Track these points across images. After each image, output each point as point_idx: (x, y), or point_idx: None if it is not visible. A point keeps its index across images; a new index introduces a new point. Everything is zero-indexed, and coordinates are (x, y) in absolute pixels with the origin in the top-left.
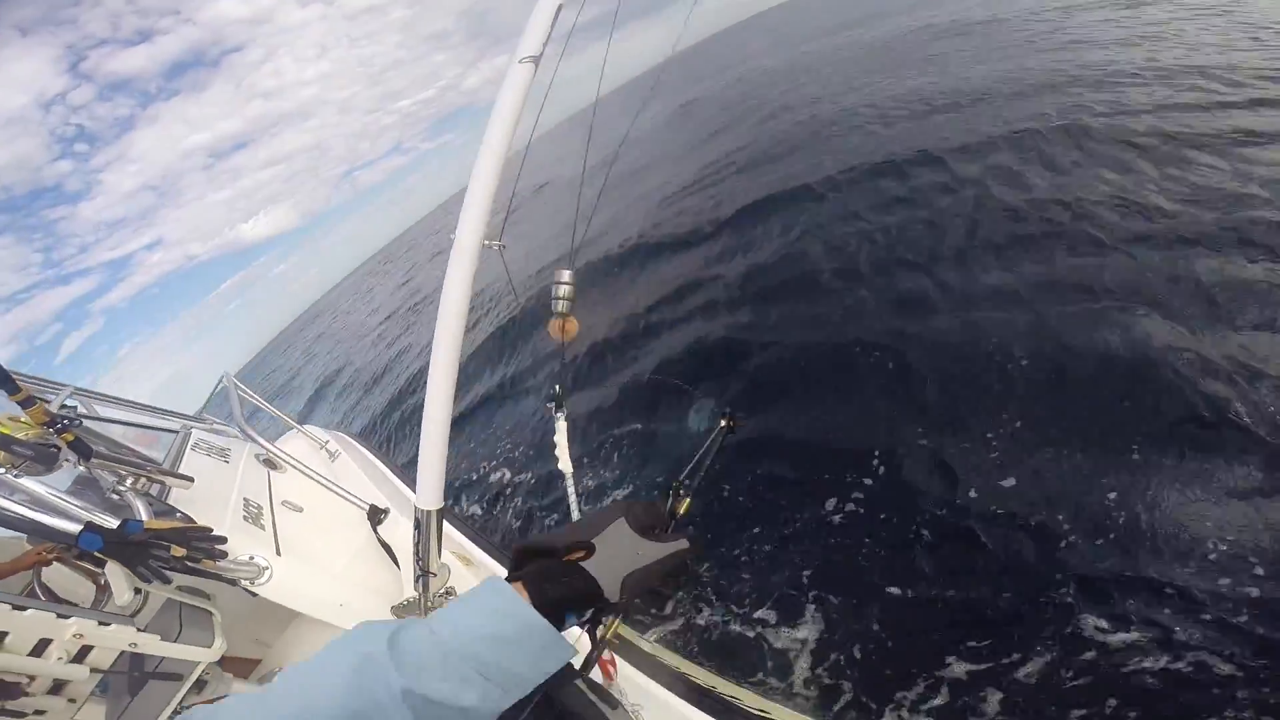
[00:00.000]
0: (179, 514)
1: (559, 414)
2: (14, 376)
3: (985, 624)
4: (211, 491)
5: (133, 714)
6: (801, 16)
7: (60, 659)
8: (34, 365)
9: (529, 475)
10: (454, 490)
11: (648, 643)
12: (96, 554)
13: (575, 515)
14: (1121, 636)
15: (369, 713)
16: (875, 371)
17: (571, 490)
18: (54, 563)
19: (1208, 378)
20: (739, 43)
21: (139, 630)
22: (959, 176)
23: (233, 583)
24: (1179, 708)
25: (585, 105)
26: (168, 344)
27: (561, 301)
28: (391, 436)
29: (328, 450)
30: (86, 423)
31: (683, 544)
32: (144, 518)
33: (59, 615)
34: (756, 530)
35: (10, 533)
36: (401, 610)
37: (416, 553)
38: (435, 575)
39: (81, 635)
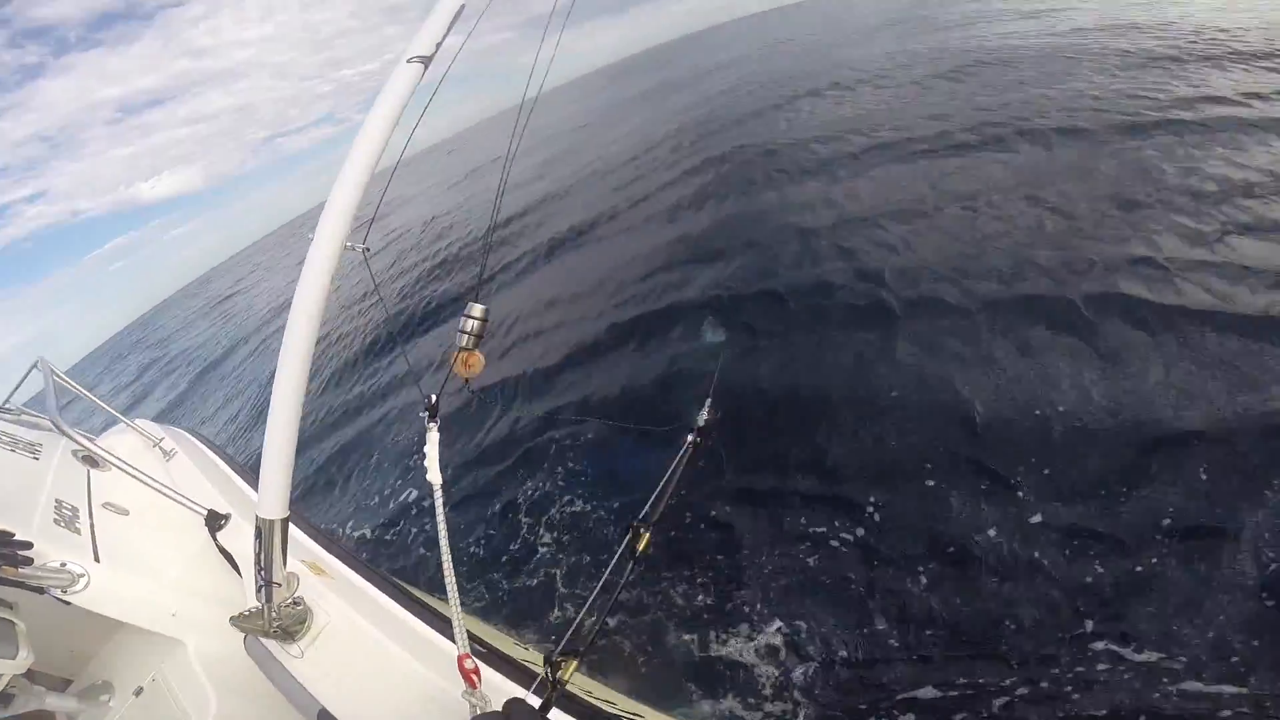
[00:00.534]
0: None
1: (432, 424)
2: None
3: (961, 655)
4: (15, 491)
5: None
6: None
7: None
8: None
9: (404, 484)
10: (322, 497)
11: (601, 687)
12: None
13: (442, 528)
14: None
15: None
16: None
17: (439, 502)
18: None
19: None
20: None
21: None
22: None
23: (40, 591)
24: None
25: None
26: (33, 302)
27: (468, 336)
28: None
29: (161, 448)
30: None
31: None
32: None
33: None
34: (721, 557)
35: None
36: (242, 622)
37: (258, 562)
38: (280, 585)
39: None
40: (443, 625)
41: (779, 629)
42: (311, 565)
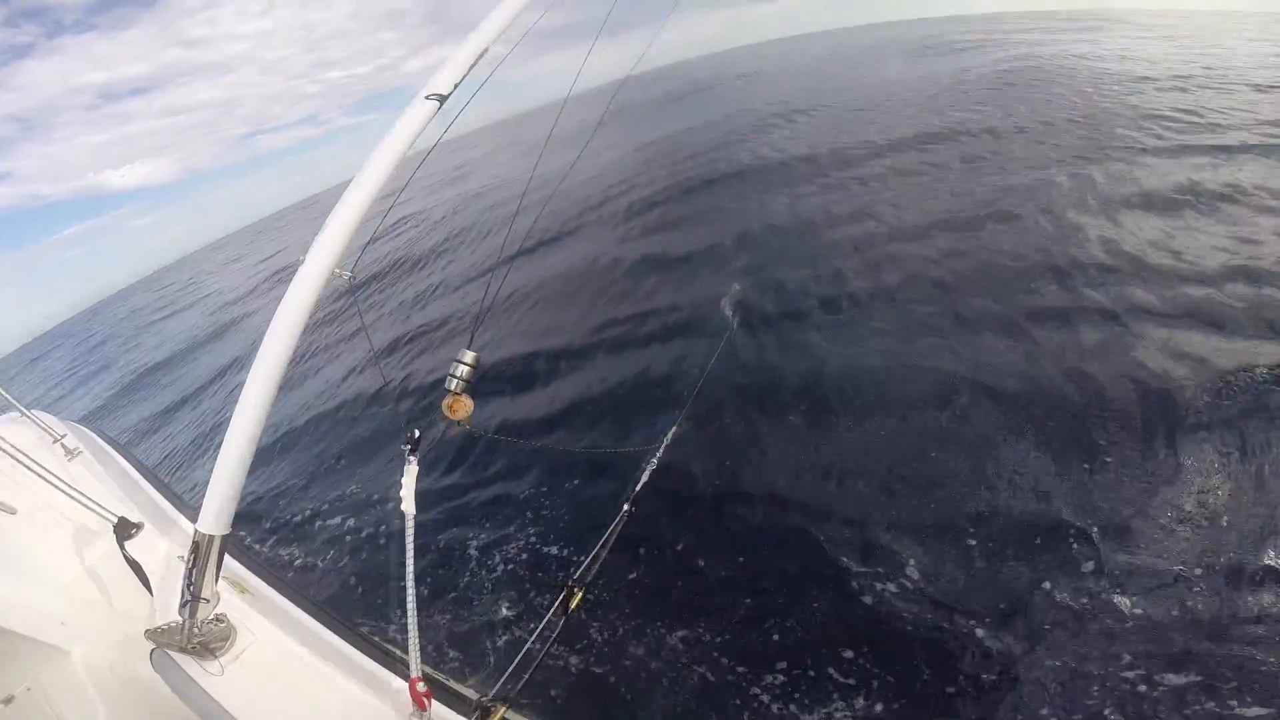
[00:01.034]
0: None
1: (412, 457)
2: None
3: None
4: None
5: None
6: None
7: None
8: None
9: (356, 510)
10: (261, 518)
11: None
12: None
13: (410, 554)
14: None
15: None
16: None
17: (410, 532)
18: None
19: None
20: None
21: None
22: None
23: None
24: None
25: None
26: None
27: (456, 380)
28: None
29: (64, 445)
30: None
31: None
32: None
33: None
34: (661, 625)
35: None
36: (159, 636)
37: (189, 576)
38: (208, 601)
39: None
40: (377, 652)
41: (702, 682)
42: (234, 584)
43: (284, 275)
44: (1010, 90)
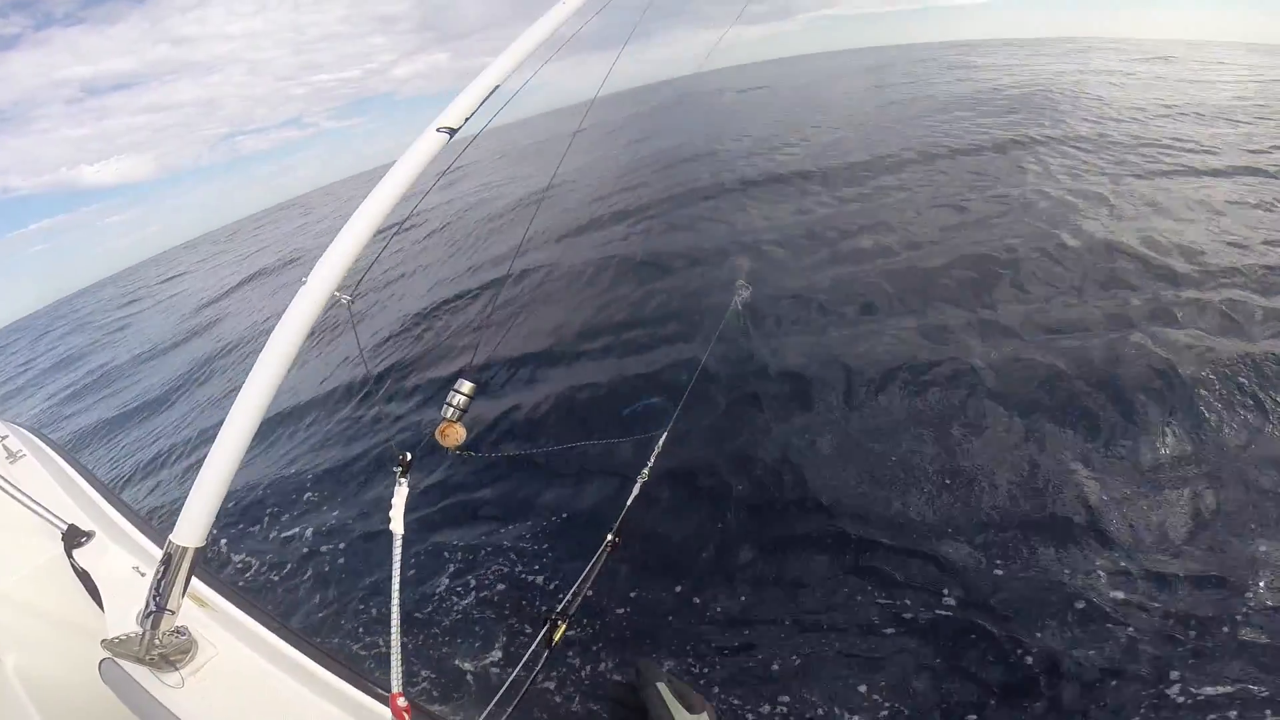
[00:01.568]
0: None
1: (403, 479)
2: None
3: None
4: None
5: None
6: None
7: None
8: None
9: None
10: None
11: None
12: None
13: (396, 572)
14: None
15: None
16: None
17: (397, 552)
18: None
19: None
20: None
21: None
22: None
23: None
24: None
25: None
26: None
27: (452, 409)
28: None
29: (6, 447)
30: None
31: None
32: None
33: None
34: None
35: None
36: (115, 646)
37: (156, 586)
38: (173, 613)
39: None
40: (348, 671)
41: None
42: (195, 598)
43: (258, 278)
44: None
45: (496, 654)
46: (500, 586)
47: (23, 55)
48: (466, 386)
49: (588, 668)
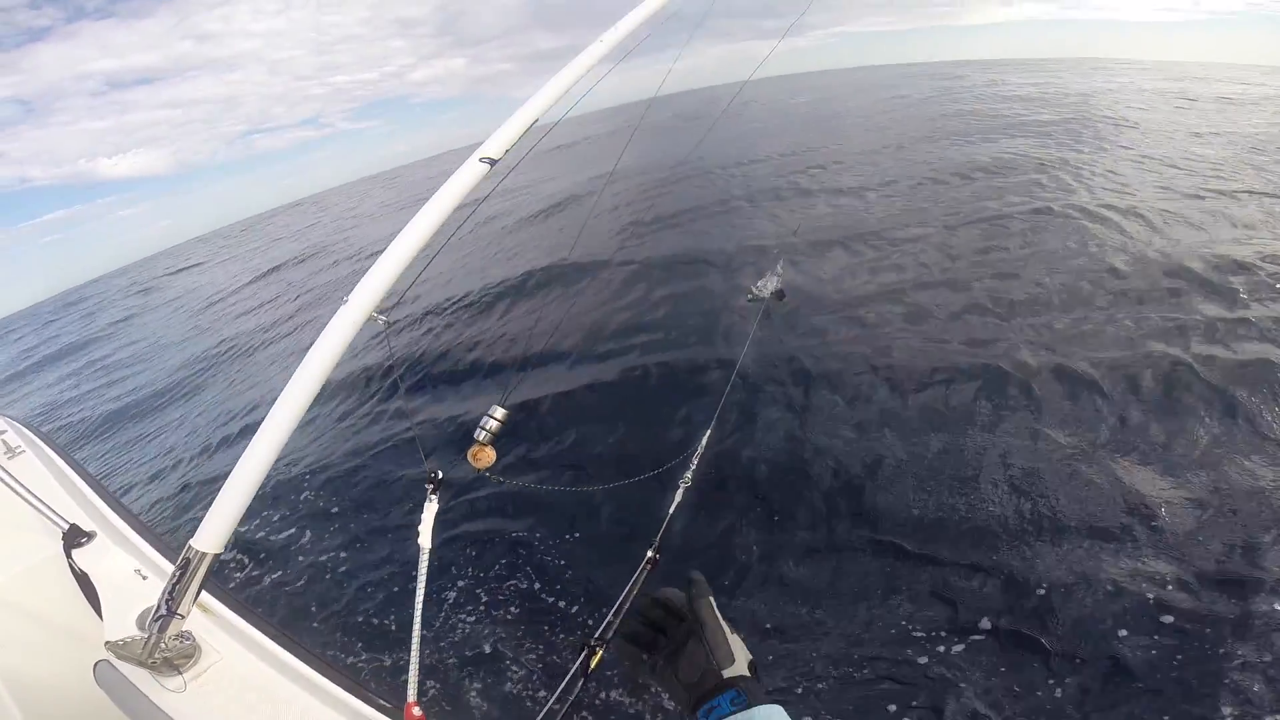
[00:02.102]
0: None
1: (433, 496)
2: None
3: None
4: None
5: None
6: None
7: None
8: None
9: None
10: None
11: None
12: None
13: (421, 589)
14: None
15: None
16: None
17: (424, 565)
18: None
19: None
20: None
21: None
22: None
23: None
24: None
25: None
26: None
27: (483, 432)
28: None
29: (4, 442)
30: None
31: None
32: None
33: None
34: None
35: None
36: (121, 649)
37: (169, 590)
38: (181, 617)
39: None
40: (354, 684)
41: None
42: (199, 603)
43: (270, 276)
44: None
45: (529, 680)
46: (531, 608)
47: (51, 47)
48: (499, 413)
49: (629, 697)
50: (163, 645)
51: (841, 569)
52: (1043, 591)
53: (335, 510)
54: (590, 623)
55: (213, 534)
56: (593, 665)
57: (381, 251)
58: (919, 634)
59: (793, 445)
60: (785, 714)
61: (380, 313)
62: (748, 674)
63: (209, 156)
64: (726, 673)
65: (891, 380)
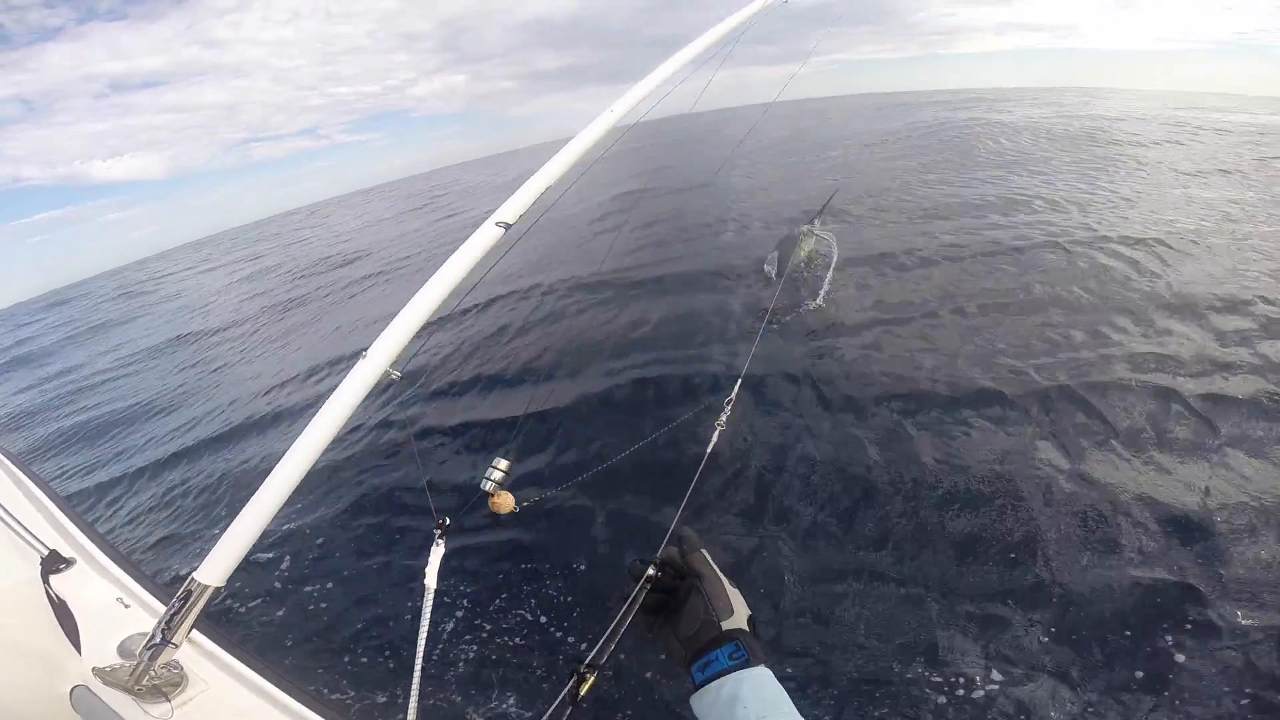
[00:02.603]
0: None
1: (440, 540)
2: None
3: None
4: None
5: None
6: None
7: None
8: None
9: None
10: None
11: None
12: None
13: (425, 627)
14: None
15: None
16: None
17: (429, 604)
18: None
19: None
20: None
21: None
22: None
23: None
24: None
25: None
26: None
27: (489, 482)
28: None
29: None
30: None
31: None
32: None
33: None
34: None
35: None
36: (108, 674)
37: (167, 619)
38: (175, 646)
39: None
40: (335, 715)
41: None
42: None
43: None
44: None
45: (514, 709)
46: (519, 632)
47: (60, 47)
48: (503, 464)
49: None
50: (152, 672)
51: (860, 595)
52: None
53: (333, 548)
54: (581, 646)
55: (217, 568)
56: (582, 692)
57: (399, 311)
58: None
59: (811, 446)
60: (774, 679)
61: (395, 367)
62: (746, 628)
63: (205, 163)
64: (725, 624)
65: (892, 400)
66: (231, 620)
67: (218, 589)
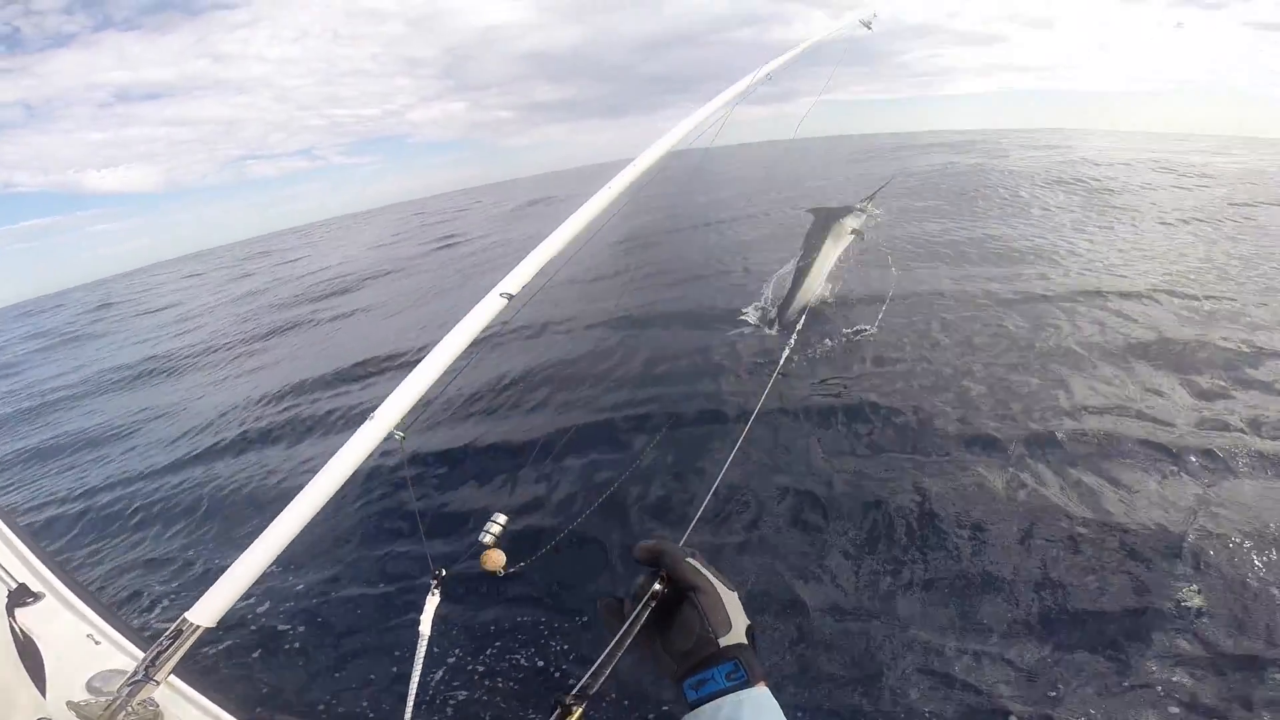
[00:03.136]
0: None
1: (436, 589)
2: None
3: None
4: None
5: None
6: None
7: None
8: None
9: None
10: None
11: None
12: None
13: (417, 671)
14: None
15: None
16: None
17: (422, 650)
18: None
19: None
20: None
21: None
22: None
23: None
24: None
25: None
26: None
27: (488, 535)
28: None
29: None
30: None
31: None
32: None
33: None
34: None
35: None
36: (82, 709)
37: (153, 657)
38: (156, 684)
39: None
40: None
41: None
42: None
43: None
44: None
45: None
46: (511, 675)
47: (72, 54)
48: (501, 519)
49: None
50: (129, 709)
51: (872, 630)
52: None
53: (315, 592)
54: (570, 675)
55: (210, 609)
56: None
57: (407, 375)
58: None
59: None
60: (774, 700)
61: (399, 429)
62: (745, 640)
63: (200, 178)
64: (724, 640)
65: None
66: (203, 662)
67: (209, 629)
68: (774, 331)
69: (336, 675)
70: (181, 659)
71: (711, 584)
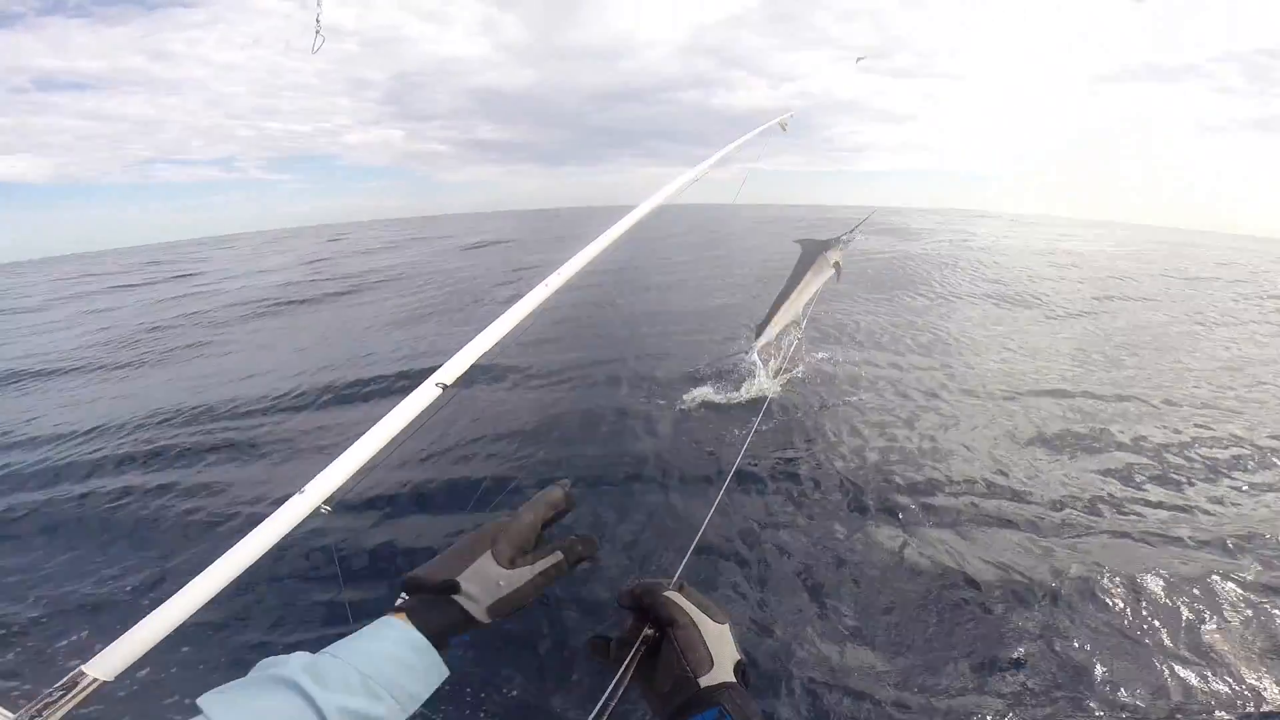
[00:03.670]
0: None
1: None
2: None
3: None
4: None
5: None
6: None
7: None
8: None
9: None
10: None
11: None
12: None
13: None
14: None
15: None
16: None
17: None
18: None
19: None
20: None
21: None
22: None
23: None
24: None
25: None
26: None
27: None
28: None
29: None
30: None
31: (555, 558)
32: None
33: None
34: None
35: None
36: None
37: (39, 707)
38: None
39: None
40: None
41: None
42: None
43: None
44: None
45: None
46: (504, 695)
47: (9, 36)
48: None
49: None
50: None
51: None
52: None
53: (223, 655)
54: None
55: (111, 662)
56: None
57: (341, 454)
58: None
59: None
60: None
61: (327, 504)
62: (733, 679)
63: (98, 176)
64: (705, 680)
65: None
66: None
67: (105, 683)
68: (753, 355)
69: None
70: (70, 713)
71: (689, 616)
